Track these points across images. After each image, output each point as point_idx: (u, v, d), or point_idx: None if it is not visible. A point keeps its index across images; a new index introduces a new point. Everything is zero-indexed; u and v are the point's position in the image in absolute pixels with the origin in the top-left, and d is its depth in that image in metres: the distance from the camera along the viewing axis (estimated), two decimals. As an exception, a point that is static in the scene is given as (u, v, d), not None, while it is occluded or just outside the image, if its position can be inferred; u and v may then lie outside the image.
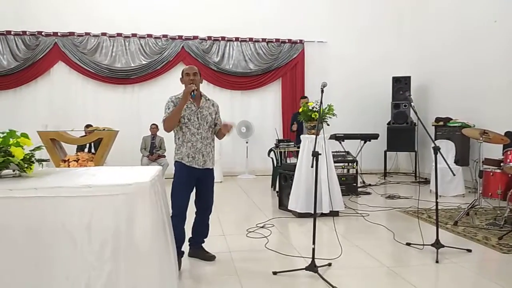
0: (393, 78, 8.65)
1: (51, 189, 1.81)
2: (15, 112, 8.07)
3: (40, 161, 2.26)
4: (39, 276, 1.76)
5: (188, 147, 3.24)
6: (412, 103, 3.70)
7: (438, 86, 8.29)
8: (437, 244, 3.48)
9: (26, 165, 2.10)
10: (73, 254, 1.78)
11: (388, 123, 8.69)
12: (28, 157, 2.13)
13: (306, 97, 7.26)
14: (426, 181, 7.56)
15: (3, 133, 2.14)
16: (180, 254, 3.16)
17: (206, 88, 8.64)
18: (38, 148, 2.28)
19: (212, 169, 3.41)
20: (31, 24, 8.15)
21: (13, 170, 2.14)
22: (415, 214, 4.96)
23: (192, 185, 3.28)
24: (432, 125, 7.59)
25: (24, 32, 8.14)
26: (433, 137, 5.97)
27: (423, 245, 3.64)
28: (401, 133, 8.48)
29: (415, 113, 3.73)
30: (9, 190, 1.80)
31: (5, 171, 2.13)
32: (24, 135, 2.16)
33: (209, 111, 3.34)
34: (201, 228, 3.46)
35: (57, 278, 1.77)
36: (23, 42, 8.17)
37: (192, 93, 3.10)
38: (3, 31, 8.07)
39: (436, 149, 3.54)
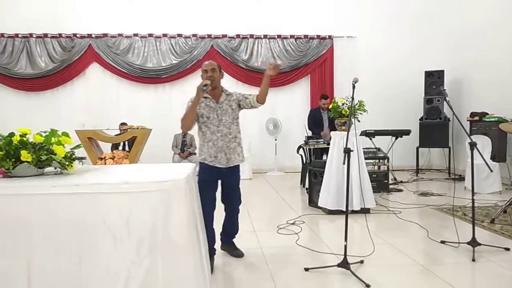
0: (426, 72, 8.42)
1: (92, 185, 1.89)
2: (53, 112, 8.38)
3: (80, 159, 2.35)
4: (81, 269, 1.84)
5: (209, 146, 3.16)
6: (447, 98, 3.61)
7: (473, 80, 8.03)
8: (474, 242, 3.40)
9: (67, 163, 2.19)
10: (113, 248, 1.85)
11: (421, 119, 8.48)
12: (69, 155, 2.22)
13: (327, 96, 7.14)
14: (461, 178, 7.35)
15: (45, 132, 2.24)
16: (212, 252, 3.18)
17: (234, 86, 8.72)
18: (78, 146, 2.37)
19: (238, 166, 3.29)
20: (67, 27, 8.44)
21: (55, 168, 2.23)
22: (449, 212, 4.85)
23: (216, 185, 3.22)
24: (467, 120, 7.36)
25: (60, 35, 8.44)
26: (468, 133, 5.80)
27: (459, 243, 3.55)
28: (434, 129, 8.26)
29: (450, 107, 3.64)
30: (52, 187, 1.88)
31: (47, 169, 2.24)
32: (65, 134, 2.25)
33: (230, 103, 3.20)
34: (230, 227, 3.46)
35: (98, 272, 1.85)
36: (59, 44, 8.48)
37: (202, 88, 2.94)
38: (41, 34, 8.40)
39: (473, 145, 3.44)
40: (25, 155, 2.01)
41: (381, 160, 6.33)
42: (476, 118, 7.22)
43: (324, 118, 7.01)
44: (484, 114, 7.14)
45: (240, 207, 3.44)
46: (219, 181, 3.26)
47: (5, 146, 2.05)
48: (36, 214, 1.83)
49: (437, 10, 9.03)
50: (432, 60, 8.74)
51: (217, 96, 3.19)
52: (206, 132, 3.18)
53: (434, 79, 8.31)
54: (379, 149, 6.56)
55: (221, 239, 3.52)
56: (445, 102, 8.08)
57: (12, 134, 2.10)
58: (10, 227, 1.81)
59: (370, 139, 7.23)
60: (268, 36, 8.91)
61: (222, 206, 3.39)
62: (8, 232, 1.81)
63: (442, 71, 8.29)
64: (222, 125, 3.16)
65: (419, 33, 9.09)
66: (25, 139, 2.11)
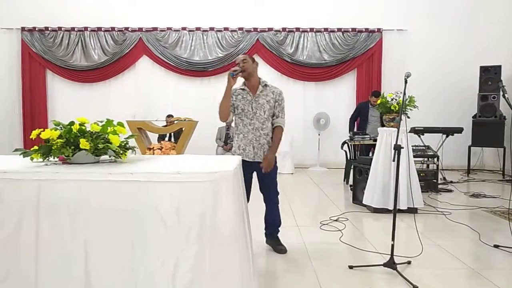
0: (481, 67, 8.00)
1: (145, 174, 1.95)
2: (105, 103, 8.76)
3: (132, 148, 2.43)
4: (134, 254, 1.92)
5: (240, 138, 3.21)
6: (506, 94, 3.41)
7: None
8: (531, 249, 3.21)
9: (121, 152, 2.28)
10: (164, 235, 1.91)
11: (474, 116, 8.09)
12: (123, 144, 2.31)
13: (379, 94, 6.87)
14: (516, 180, 6.96)
15: (101, 121, 2.34)
16: None
17: (279, 80, 8.72)
18: (132, 136, 2.45)
19: None
20: (119, 21, 8.76)
21: (109, 156, 2.33)
22: (503, 215, 4.61)
23: (249, 177, 3.17)
24: (526, 120, 6.94)
25: (112, 28, 8.77)
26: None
27: (514, 248, 3.37)
28: (488, 127, 7.84)
29: (509, 104, 3.43)
30: (109, 174, 1.97)
31: (103, 157, 2.34)
32: (120, 124, 2.34)
33: (267, 98, 3.17)
34: (270, 219, 3.45)
35: (150, 258, 1.91)
36: (112, 37, 8.82)
37: (232, 73, 2.99)
38: (95, 28, 8.77)
39: (533, 145, 3.24)
40: (83, 143, 2.11)
41: (430, 159, 6.10)
42: (536, 117, 6.79)
43: (371, 113, 6.86)
44: (546, 113, 6.69)
45: (281, 200, 3.44)
46: (254, 173, 3.26)
47: (65, 134, 2.16)
48: (94, 199, 1.93)
49: (494, 1, 8.53)
50: (488, 55, 8.30)
51: (253, 87, 3.19)
52: (239, 124, 3.22)
53: (490, 75, 7.88)
54: (428, 147, 6.32)
55: (265, 234, 3.53)
56: (501, 99, 7.65)
57: (72, 123, 2.21)
58: (70, 210, 1.91)
59: (419, 136, 6.99)
60: (314, 30, 8.80)
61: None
62: (68, 215, 1.91)
63: (499, 67, 7.84)
64: (255, 118, 3.16)
65: (474, 26, 8.63)
66: (84, 128, 2.21)
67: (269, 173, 3.23)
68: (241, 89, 3.20)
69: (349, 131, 7.03)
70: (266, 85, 3.22)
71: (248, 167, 3.15)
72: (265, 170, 3.14)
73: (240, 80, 3.19)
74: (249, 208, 3.12)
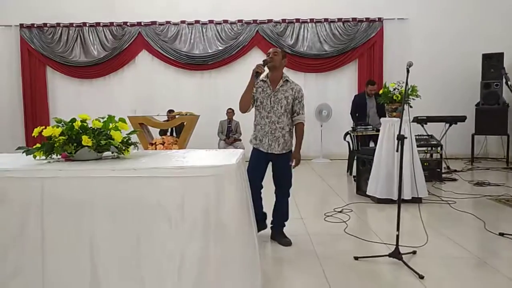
0: (483, 55, 7.94)
1: (148, 169, 1.95)
2: (105, 99, 8.72)
3: (135, 144, 2.42)
4: (140, 249, 1.92)
5: (257, 129, 3.33)
6: (509, 82, 3.38)
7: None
8: (537, 236, 3.20)
9: (124, 148, 2.27)
10: (168, 230, 1.91)
11: (477, 104, 8.03)
12: (125, 140, 2.30)
13: (374, 82, 6.85)
14: (521, 168, 6.93)
15: (103, 118, 2.33)
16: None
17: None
18: (134, 132, 2.44)
19: (285, 153, 3.33)
20: (118, 15, 8.70)
21: (112, 152, 2.32)
22: (508, 203, 4.59)
23: (263, 167, 3.35)
24: (529, 107, 6.90)
25: (111, 23, 8.72)
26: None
27: (520, 236, 3.36)
28: (492, 115, 7.79)
29: (512, 92, 3.41)
30: (112, 170, 1.97)
31: (105, 153, 2.33)
32: (122, 120, 2.33)
33: (286, 94, 3.24)
34: (279, 212, 3.47)
35: (155, 252, 1.92)
36: (111, 32, 8.77)
37: (256, 74, 3.12)
38: (93, 23, 8.72)
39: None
40: (86, 140, 2.10)
41: (433, 148, 6.07)
42: (540, 104, 6.75)
43: (369, 104, 6.78)
44: (549, 99, 6.65)
45: (290, 191, 3.45)
46: (270, 163, 3.37)
47: (67, 131, 2.15)
48: (98, 196, 1.93)
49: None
50: (490, 42, 8.21)
51: (275, 81, 3.26)
52: (257, 115, 3.34)
53: (492, 62, 7.81)
54: (431, 136, 6.29)
55: (271, 227, 3.53)
56: (504, 87, 7.60)
57: (73, 120, 2.19)
58: (74, 207, 1.91)
59: (422, 125, 6.96)
60: (314, 20, 8.73)
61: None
62: (73, 211, 1.91)
63: (501, 54, 7.77)
64: (272, 112, 3.25)
65: (476, 13, 8.54)
66: (85, 124, 2.20)
67: (283, 165, 3.34)
68: (262, 81, 3.27)
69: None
70: (287, 81, 3.29)
71: (263, 157, 3.33)
72: (294, 167, 3.35)
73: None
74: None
